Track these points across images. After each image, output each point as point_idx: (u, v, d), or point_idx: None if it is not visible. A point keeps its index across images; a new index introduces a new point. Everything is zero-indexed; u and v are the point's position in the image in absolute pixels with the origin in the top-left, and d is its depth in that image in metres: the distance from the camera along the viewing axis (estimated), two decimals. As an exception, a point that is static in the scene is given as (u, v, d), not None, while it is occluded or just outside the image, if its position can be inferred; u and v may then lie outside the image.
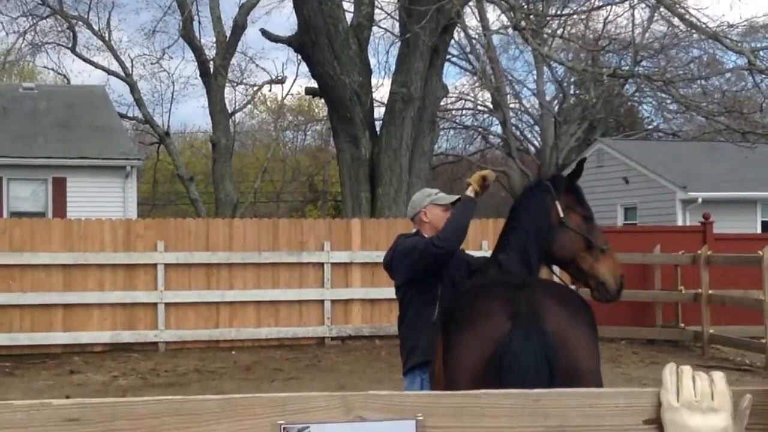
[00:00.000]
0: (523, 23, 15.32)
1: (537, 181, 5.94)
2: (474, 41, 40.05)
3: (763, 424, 1.98)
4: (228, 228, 16.85)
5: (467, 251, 6.72)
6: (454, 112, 42.77)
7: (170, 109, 58.65)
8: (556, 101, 43.42)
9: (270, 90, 43.99)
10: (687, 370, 1.94)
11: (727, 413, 1.89)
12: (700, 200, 27.41)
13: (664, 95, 24.26)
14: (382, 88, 32.52)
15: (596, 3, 22.86)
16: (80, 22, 35.18)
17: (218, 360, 15.28)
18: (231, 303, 16.57)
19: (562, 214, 5.59)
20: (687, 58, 28.28)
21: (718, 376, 1.93)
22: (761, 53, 17.71)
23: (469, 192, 5.97)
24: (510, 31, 19.11)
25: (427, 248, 5.87)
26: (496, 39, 36.28)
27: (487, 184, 6.01)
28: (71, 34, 34.99)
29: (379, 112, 24.86)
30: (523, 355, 4.33)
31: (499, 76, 39.98)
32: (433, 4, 16.26)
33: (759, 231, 27.96)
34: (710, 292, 15.84)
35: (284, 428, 1.86)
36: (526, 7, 17.43)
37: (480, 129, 44.45)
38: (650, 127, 43.88)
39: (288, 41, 20.41)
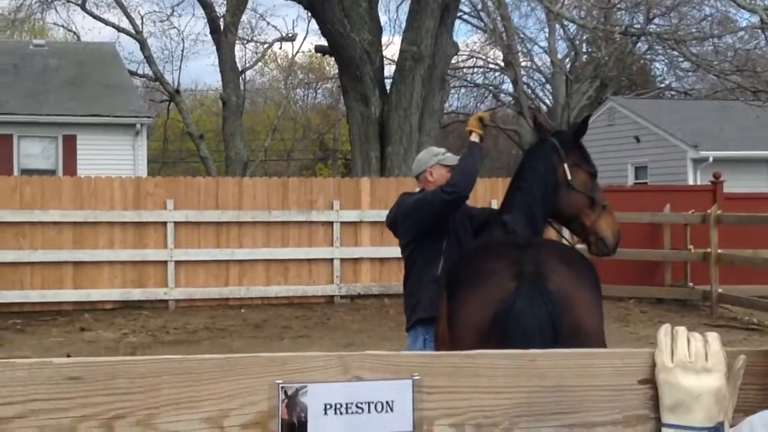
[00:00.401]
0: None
1: (543, 139, 5.76)
2: (485, -1, 39.81)
3: (759, 384, 1.99)
4: (238, 186, 16.87)
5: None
6: (465, 70, 42.58)
7: (180, 66, 58.60)
8: (567, 59, 43.17)
9: (280, 48, 44.00)
10: (682, 330, 1.96)
11: (721, 374, 1.90)
12: (711, 159, 27.32)
13: (675, 54, 24.11)
14: (392, 46, 32.40)
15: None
16: (90, -21, 35.04)
17: (228, 318, 15.36)
18: (240, 261, 16.63)
19: (569, 176, 5.59)
20: (699, 16, 28.05)
21: (713, 336, 1.94)
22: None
23: (474, 138, 5.95)
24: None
25: (435, 197, 5.77)
26: (507, -4, 36.05)
27: (486, 124, 6.01)
28: (81, -10, 34.86)
29: (389, 70, 24.78)
30: (527, 315, 4.35)
31: (510, 34, 39.74)
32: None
33: (770, 190, 27.90)
34: (719, 251, 15.83)
35: (282, 387, 1.88)
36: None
37: (491, 87, 44.26)
38: (662, 85, 43.65)
39: (298, -1, 20.32)
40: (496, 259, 4.71)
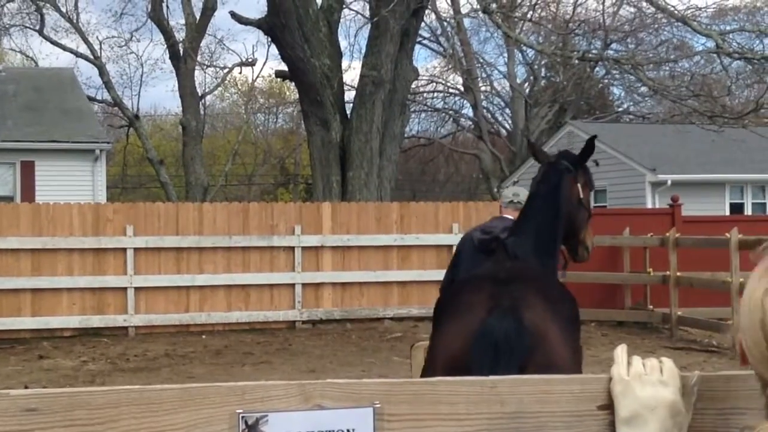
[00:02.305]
0: (493, 6, 15.34)
1: (553, 162, 5.76)
2: (445, 23, 40.06)
3: (716, 409, 2.01)
4: (198, 212, 16.80)
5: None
6: (425, 94, 42.79)
7: (139, 91, 58.27)
8: (526, 84, 43.53)
9: (240, 72, 43.87)
10: (636, 356, 2.00)
11: (676, 388, 1.94)
12: (669, 182, 27.58)
13: (633, 78, 24.36)
14: (352, 71, 32.48)
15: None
16: (48, 4, 34.86)
17: (188, 344, 15.25)
18: (201, 287, 16.55)
19: (582, 195, 5.67)
20: (656, 42, 28.40)
21: (667, 358, 1.99)
22: (729, 36, 17.80)
23: None
24: (480, 14, 19.10)
25: None
26: (467, 21, 36.31)
27: None
28: (39, 16, 34.69)
29: (349, 95, 24.86)
30: (492, 341, 4.36)
31: (470, 59, 40.01)
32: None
33: (727, 212, 28.19)
34: (678, 274, 15.96)
35: (243, 417, 1.87)
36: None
37: (451, 111, 44.50)
38: (620, 109, 44.09)
39: (258, 24, 20.35)
40: (475, 293, 4.71)
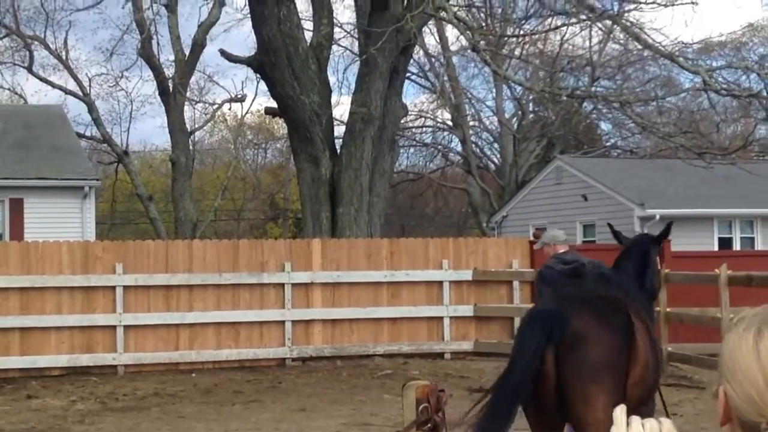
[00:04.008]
0: (482, 43, 15.43)
1: (644, 239, 7.91)
2: (433, 59, 40.28)
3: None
4: (188, 249, 16.77)
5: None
6: (414, 129, 42.93)
7: (129, 127, 57.93)
8: (515, 119, 43.72)
9: (230, 108, 43.95)
10: (635, 417, 2.00)
11: None
12: (658, 217, 27.65)
13: (621, 115, 24.50)
14: (341, 106, 32.60)
15: (554, 23, 23.05)
16: (36, 42, 34.95)
17: (178, 383, 15.16)
18: (191, 325, 16.48)
19: (659, 266, 7.83)
20: (644, 78, 28.59)
21: (666, 419, 1.98)
22: (716, 73, 17.93)
23: None
24: (469, 51, 19.21)
25: None
26: (455, 57, 36.49)
27: None
28: (27, 53, 34.75)
29: (338, 130, 24.91)
30: (540, 312, 6.50)
31: (458, 94, 40.19)
32: (390, 26, 16.33)
33: (716, 247, 28.26)
34: (668, 309, 15.96)
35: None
36: (484, 26, 17.56)
37: (440, 146, 44.65)
38: (608, 144, 44.29)
39: (247, 62, 20.42)
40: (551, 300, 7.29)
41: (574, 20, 18.92)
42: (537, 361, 6.06)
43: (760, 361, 1.77)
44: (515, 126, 42.23)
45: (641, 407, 6.34)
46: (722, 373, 1.84)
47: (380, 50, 17.01)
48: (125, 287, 16.16)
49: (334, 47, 25.44)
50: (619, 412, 2.01)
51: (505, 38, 22.19)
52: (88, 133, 37.87)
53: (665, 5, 16.62)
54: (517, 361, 6.15)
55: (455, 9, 16.62)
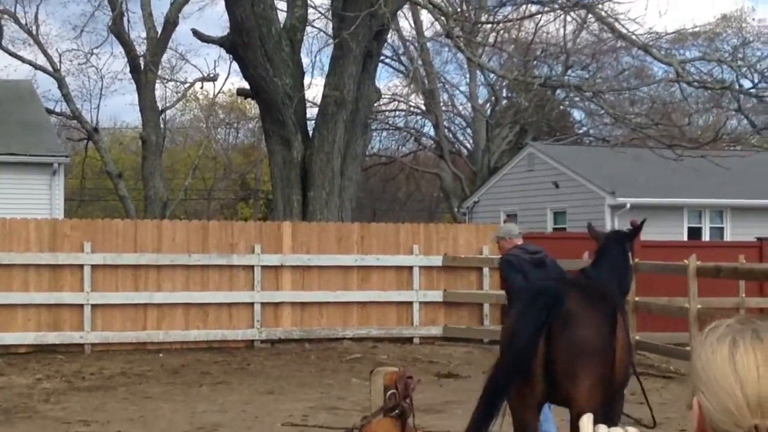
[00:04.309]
0: (456, 30, 15.38)
1: (618, 235, 8.42)
2: (408, 43, 40.17)
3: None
4: (157, 229, 16.67)
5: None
6: (387, 113, 42.84)
7: (99, 104, 57.56)
8: (488, 104, 43.72)
9: (202, 87, 43.68)
10: (601, 426, 1.99)
11: None
12: (628, 206, 27.76)
13: (594, 106, 24.54)
14: (314, 88, 32.45)
15: (528, 10, 23.01)
16: (6, 16, 34.53)
17: (145, 363, 15.09)
18: (159, 305, 16.41)
19: (632, 261, 8.34)
20: (617, 67, 28.63)
21: (633, 428, 1.97)
22: (690, 64, 17.97)
23: None
24: (443, 37, 19.16)
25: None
26: (429, 42, 36.40)
27: None
28: (-3, 27, 34.32)
29: (311, 112, 24.81)
30: (536, 288, 7.21)
31: (431, 79, 40.15)
32: (364, 10, 16.26)
33: (686, 236, 28.42)
34: (637, 299, 16.04)
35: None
36: (459, 12, 17.51)
37: (412, 131, 44.59)
38: (581, 131, 44.39)
39: (220, 42, 20.28)
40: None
41: (548, 8, 18.90)
42: (539, 335, 6.49)
43: (737, 372, 1.76)
44: (488, 112, 42.25)
45: (617, 393, 6.80)
46: (696, 385, 1.83)
47: (354, 34, 16.94)
48: (93, 266, 16.05)
49: (308, 28, 25.36)
50: (586, 420, 2.00)
51: (480, 25, 22.13)
52: (57, 109, 37.46)
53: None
54: (519, 333, 6.61)
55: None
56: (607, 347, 6.59)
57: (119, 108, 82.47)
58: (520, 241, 9.43)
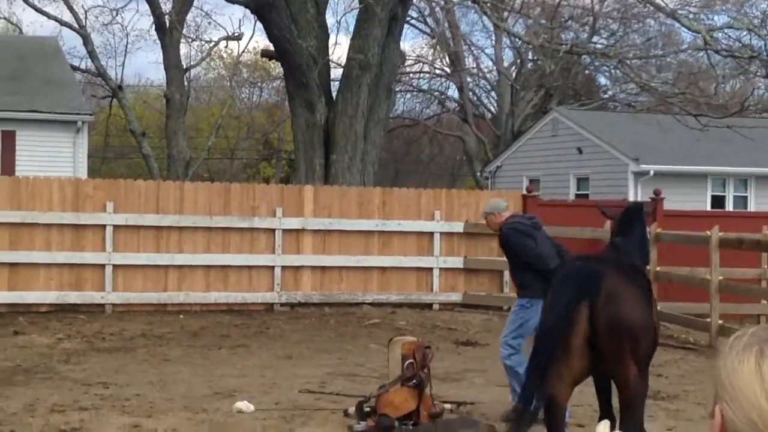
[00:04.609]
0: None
1: (638, 207, 8.64)
2: (434, 3, 39.85)
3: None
4: (179, 191, 16.70)
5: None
6: (411, 75, 42.62)
7: (124, 62, 57.42)
8: (513, 67, 43.43)
9: (226, 46, 43.54)
10: None
11: None
12: (652, 173, 27.61)
13: (620, 73, 24.31)
14: (339, 48, 32.29)
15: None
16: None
17: (165, 324, 15.17)
18: (180, 267, 16.47)
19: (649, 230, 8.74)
20: (645, 33, 28.30)
21: None
22: (718, 32, 17.75)
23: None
24: (470, 2, 19.00)
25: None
26: (456, 4, 36.07)
27: None
28: (24, -18, 34.27)
29: (335, 73, 24.70)
30: (575, 268, 7.36)
31: (457, 42, 39.87)
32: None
33: (709, 205, 28.27)
34: (658, 269, 15.98)
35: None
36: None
37: (437, 93, 44.36)
38: (606, 96, 44.06)
39: (245, 3, 20.18)
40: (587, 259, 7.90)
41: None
42: (571, 311, 6.71)
43: (763, 383, 1.72)
44: (513, 75, 41.96)
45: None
46: (719, 394, 1.79)
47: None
48: (115, 226, 16.12)
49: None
50: (602, 428, 1.97)
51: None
52: (83, 66, 37.49)
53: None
54: (553, 309, 6.89)
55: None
56: (649, 322, 6.89)
57: (144, 65, 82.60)
58: (508, 214, 9.74)
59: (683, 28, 31.56)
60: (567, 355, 6.78)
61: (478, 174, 38.79)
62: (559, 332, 6.75)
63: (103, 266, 16.10)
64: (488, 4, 15.29)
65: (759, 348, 1.78)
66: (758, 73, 26.88)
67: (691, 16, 27.11)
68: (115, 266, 16.13)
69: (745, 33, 27.16)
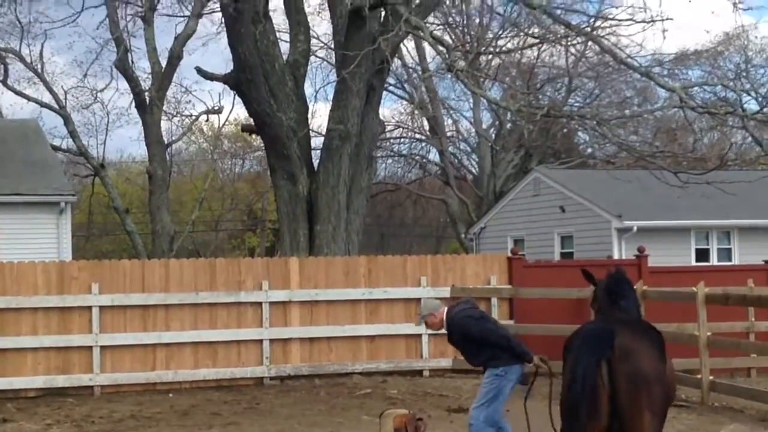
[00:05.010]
0: (458, 63, 15.43)
1: (622, 276, 8.30)
2: (411, 70, 40.25)
3: None
4: (164, 269, 16.68)
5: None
6: (391, 140, 42.91)
7: (105, 140, 57.99)
8: (492, 129, 43.79)
9: (207, 120, 43.79)
10: None
11: None
12: (635, 229, 27.77)
13: (598, 133, 24.54)
14: (319, 117, 32.55)
15: (529, 40, 23.07)
16: (11, 55, 34.71)
17: (155, 404, 15.05)
18: (168, 344, 16.39)
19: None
20: (620, 92, 28.63)
21: None
22: (692, 88, 17.98)
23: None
24: (446, 73, 19.21)
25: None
26: (432, 66, 36.48)
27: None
28: (2, 66, 34.52)
29: (316, 142, 24.86)
30: (588, 330, 7.30)
31: (435, 106, 40.22)
32: (367, 45, 16.32)
33: (693, 258, 28.40)
34: (646, 326, 15.95)
35: None
36: (460, 46, 17.58)
37: (417, 157, 44.64)
38: (586, 153, 44.40)
39: (224, 79, 20.35)
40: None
41: (550, 37, 18.97)
42: (595, 371, 6.87)
43: None
44: (493, 136, 42.29)
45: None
46: None
47: (355, 72, 17.02)
48: (101, 307, 16.06)
49: (311, 58, 25.39)
50: None
51: (481, 55, 22.19)
52: (64, 146, 37.61)
53: (641, 22, 16.66)
54: (577, 372, 6.96)
55: (431, 28, 16.61)
56: (663, 376, 6.97)
57: (125, 141, 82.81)
58: (444, 309, 10.03)
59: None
60: (595, 416, 6.92)
61: (463, 236, 38.89)
62: (587, 398, 6.89)
63: (90, 348, 16.01)
64: (464, 72, 15.49)
65: None
66: (736, 124, 27.20)
67: (665, 73, 27.48)
68: (102, 347, 16.05)
69: (721, 89, 27.56)
